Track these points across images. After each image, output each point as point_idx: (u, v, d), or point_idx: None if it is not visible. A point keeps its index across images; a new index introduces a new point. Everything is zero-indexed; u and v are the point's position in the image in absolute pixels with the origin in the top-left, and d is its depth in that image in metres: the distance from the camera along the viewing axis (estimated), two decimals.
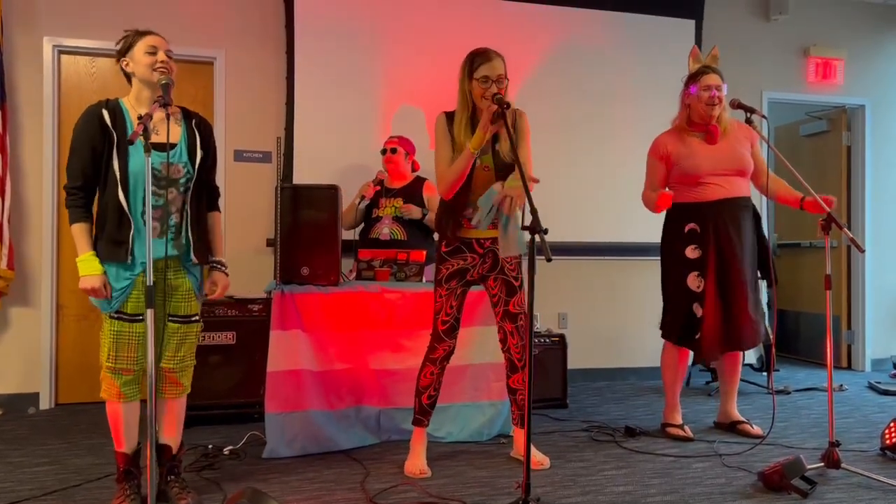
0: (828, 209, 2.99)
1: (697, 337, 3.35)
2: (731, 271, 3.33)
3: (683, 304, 3.41)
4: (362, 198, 3.96)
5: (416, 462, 2.94)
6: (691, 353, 3.53)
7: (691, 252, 3.40)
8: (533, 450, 3.03)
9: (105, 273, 2.37)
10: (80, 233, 2.38)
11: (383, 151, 4.07)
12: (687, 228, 3.42)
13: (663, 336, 3.53)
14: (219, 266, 2.63)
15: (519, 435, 3.10)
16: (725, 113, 3.43)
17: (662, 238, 3.55)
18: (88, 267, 2.35)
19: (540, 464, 2.99)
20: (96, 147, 2.38)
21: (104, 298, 2.37)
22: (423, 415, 2.99)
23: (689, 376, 4.63)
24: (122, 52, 2.46)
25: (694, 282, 3.38)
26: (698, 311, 3.35)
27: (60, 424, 3.75)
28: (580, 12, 4.92)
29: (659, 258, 3.58)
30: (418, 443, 3.00)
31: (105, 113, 2.40)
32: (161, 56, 2.44)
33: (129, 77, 2.49)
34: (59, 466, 3.01)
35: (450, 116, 2.91)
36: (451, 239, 2.91)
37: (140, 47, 2.43)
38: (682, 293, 3.42)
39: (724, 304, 3.34)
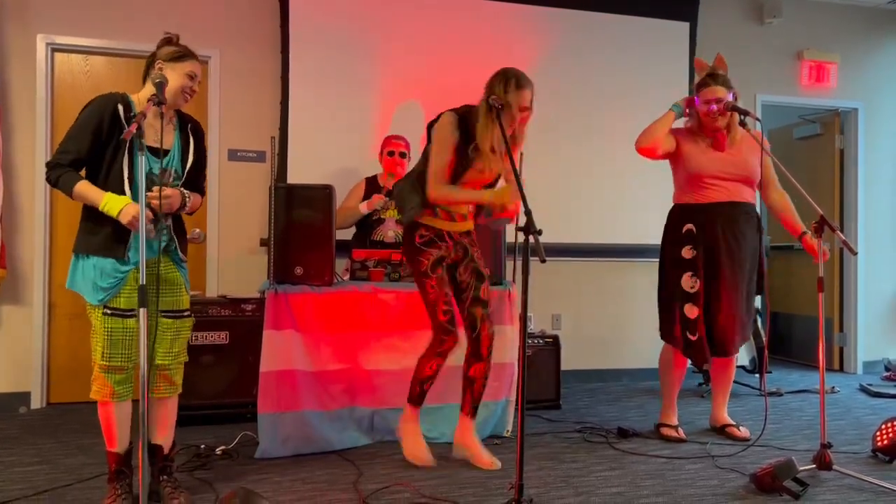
0: (819, 260, 3.01)
1: (694, 339, 3.35)
2: (720, 274, 3.33)
3: (677, 305, 3.41)
4: (375, 210, 3.92)
5: (419, 447, 2.98)
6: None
7: (687, 252, 3.40)
8: (483, 450, 3.02)
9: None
10: (86, 187, 2.30)
11: (391, 154, 3.99)
12: (685, 229, 3.42)
13: (662, 338, 3.53)
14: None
15: (466, 425, 3.04)
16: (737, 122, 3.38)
17: (663, 239, 3.55)
18: (118, 201, 2.27)
19: (491, 464, 2.97)
20: (101, 135, 2.34)
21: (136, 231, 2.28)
22: (421, 398, 3.00)
23: None
24: (169, 58, 2.42)
25: (688, 282, 3.38)
26: (692, 312, 3.35)
27: (52, 424, 3.73)
28: (574, 14, 4.92)
29: (653, 259, 3.58)
30: (416, 423, 3.01)
31: (121, 107, 2.37)
32: (196, 86, 2.45)
33: (147, 76, 2.45)
34: (51, 466, 3.00)
35: (461, 118, 2.89)
36: (426, 231, 2.95)
37: (186, 66, 2.43)
38: (676, 294, 3.42)
39: (712, 307, 3.35)
